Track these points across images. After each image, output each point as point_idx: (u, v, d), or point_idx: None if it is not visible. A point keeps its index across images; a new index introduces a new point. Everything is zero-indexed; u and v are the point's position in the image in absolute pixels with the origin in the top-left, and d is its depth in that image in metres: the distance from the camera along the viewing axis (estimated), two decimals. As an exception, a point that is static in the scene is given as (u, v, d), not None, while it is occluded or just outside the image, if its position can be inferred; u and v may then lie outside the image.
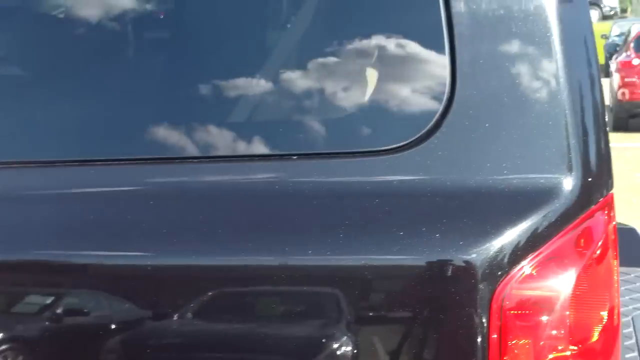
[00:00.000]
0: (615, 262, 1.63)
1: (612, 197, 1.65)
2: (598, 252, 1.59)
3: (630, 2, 38.78)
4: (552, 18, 1.61)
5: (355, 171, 1.64)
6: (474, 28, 1.62)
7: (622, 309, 3.22)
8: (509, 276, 1.54)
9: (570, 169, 1.57)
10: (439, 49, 1.63)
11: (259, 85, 1.77)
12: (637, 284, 3.52)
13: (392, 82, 1.70)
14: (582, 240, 1.57)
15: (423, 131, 1.60)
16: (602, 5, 34.20)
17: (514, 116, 1.60)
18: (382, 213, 1.60)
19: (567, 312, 1.54)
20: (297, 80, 1.74)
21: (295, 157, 1.67)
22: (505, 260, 1.53)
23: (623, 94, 14.29)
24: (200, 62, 1.83)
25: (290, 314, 1.66)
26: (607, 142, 1.66)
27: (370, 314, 1.60)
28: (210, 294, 1.66)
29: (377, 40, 1.72)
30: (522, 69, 1.61)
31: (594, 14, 33.41)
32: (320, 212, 1.63)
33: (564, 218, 1.56)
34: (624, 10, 38.17)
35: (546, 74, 1.60)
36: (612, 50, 18.32)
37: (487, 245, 1.53)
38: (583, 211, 1.58)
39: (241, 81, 1.77)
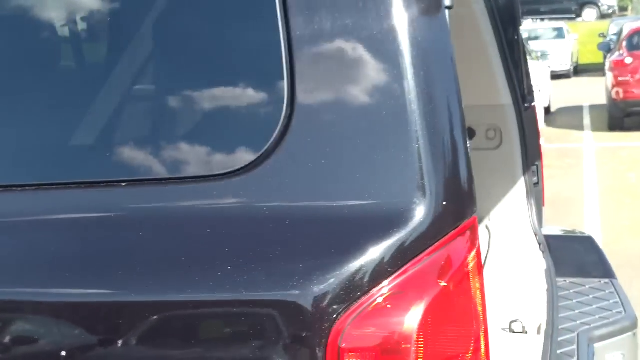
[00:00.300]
0: (479, 293, 1.48)
1: (474, 222, 1.50)
2: (455, 282, 1.44)
3: (630, 0, 38.56)
4: (403, 39, 1.47)
5: (185, 198, 1.52)
6: (315, 51, 1.50)
7: (568, 325, 3.06)
8: (350, 311, 1.40)
9: (423, 194, 1.43)
10: (278, 73, 1.50)
11: (87, 108, 1.64)
12: (590, 297, 3.34)
13: (227, 105, 1.58)
14: (436, 270, 1.43)
15: (257, 155, 1.48)
16: (599, 4, 33.92)
17: (359, 140, 1.47)
18: (210, 244, 1.47)
19: (414, 349, 1.39)
20: (128, 104, 1.63)
21: (124, 184, 1.55)
22: (345, 294, 1.39)
23: (617, 93, 14.10)
24: (24, 85, 1.72)
25: (94, 349, 1.53)
26: (468, 164, 1.52)
27: (193, 355, 1.47)
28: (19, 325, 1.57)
29: (212, 63, 1.60)
30: (369, 92, 1.48)
31: (592, 12, 33.17)
32: (146, 243, 1.51)
33: (414, 247, 1.42)
34: (624, 9, 37.92)
35: (396, 97, 1.46)
36: (606, 49, 18.12)
37: (325, 278, 1.39)
38: (437, 238, 1.44)
39: (69, 104, 1.65)
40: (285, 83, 1.49)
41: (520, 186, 3.66)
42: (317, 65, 1.49)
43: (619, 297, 3.32)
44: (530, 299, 2.98)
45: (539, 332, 2.67)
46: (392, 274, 1.40)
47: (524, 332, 2.68)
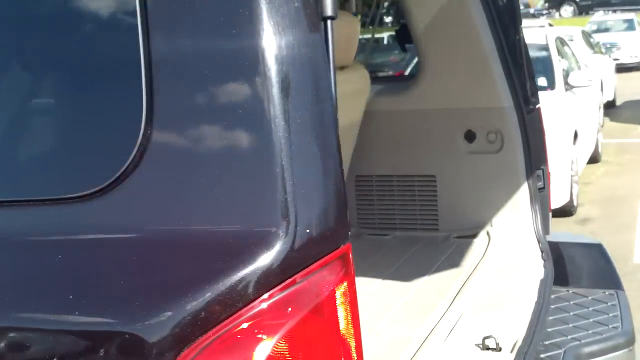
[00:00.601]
0: (352, 328, 1.37)
1: (347, 251, 1.39)
2: (318, 315, 1.34)
3: None
4: (270, 57, 1.36)
5: (36, 221, 1.46)
6: (175, 71, 1.41)
7: (557, 340, 2.91)
8: (194, 345, 1.30)
9: (286, 221, 1.33)
10: (137, 92, 1.42)
11: None
12: (589, 309, 3.16)
13: (84, 125, 1.52)
14: (296, 303, 1.32)
15: (110, 180, 1.40)
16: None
17: (218, 162, 1.38)
18: (54, 272, 1.42)
19: None
20: None
21: None
22: (191, 327, 1.30)
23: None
24: None
25: None
26: (341, 189, 1.41)
27: None
28: None
29: (69, 81, 1.54)
30: (232, 114, 1.38)
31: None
32: None
33: (272, 277, 1.32)
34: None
35: (260, 120, 1.36)
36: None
37: (170, 309, 1.31)
38: (299, 268, 1.34)
39: None
40: (144, 104, 1.41)
41: (524, 191, 3.51)
42: (177, 86, 1.40)
43: (620, 311, 3.14)
44: (513, 312, 2.83)
45: (512, 350, 2.53)
46: (245, 306, 1.30)
47: (498, 349, 2.54)
